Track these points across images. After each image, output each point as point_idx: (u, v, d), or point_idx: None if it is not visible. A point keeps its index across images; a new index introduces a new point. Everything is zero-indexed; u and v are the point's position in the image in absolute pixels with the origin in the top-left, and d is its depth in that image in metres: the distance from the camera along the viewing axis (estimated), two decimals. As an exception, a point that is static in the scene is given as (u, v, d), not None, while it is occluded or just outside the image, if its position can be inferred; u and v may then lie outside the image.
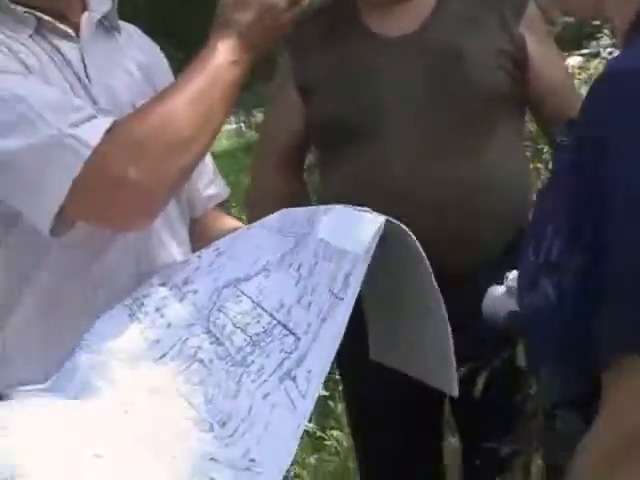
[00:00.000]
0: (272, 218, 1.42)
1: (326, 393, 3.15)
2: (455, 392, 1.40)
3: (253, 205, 2.12)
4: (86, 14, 1.58)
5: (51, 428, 1.17)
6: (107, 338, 1.35)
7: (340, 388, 2.84)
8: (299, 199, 2.08)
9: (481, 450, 1.85)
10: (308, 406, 1.12)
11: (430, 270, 1.30)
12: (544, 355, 1.10)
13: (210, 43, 1.47)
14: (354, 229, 1.22)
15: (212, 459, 1.14)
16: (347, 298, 1.16)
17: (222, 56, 1.45)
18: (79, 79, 1.52)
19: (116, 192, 1.35)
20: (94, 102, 1.50)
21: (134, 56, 1.66)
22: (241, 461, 1.13)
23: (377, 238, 1.18)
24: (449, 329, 1.33)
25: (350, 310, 1.16)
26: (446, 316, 1.34)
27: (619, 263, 0.92)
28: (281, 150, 2.10)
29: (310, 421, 3.18)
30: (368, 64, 1.95)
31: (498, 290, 1.44)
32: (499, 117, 1.94)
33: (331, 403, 3.38)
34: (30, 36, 1.49)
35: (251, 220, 1.71)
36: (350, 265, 1.18)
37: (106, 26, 1.63)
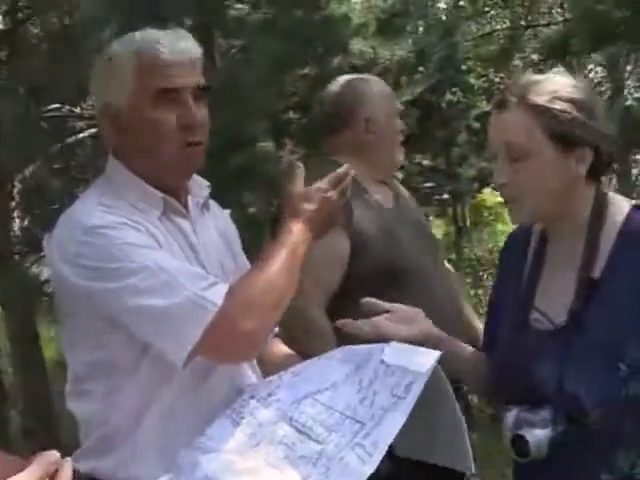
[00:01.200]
0: (335, 352, 1.84)
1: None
2: (471, 468, 1.72)
3: (303, 340, 2.35)
4: (190, 197, 1.95)
5: None
6: (217, 440, 1.75)
7: None
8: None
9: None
10: (375, 461, 1.56)
11: (450, 389, 1.72)
12: None
13: (286, 226, 1.83)
14: (414, 356, 1.67)
15: None
16: (409, 397, 1.60)
17: (296, 237, 1.81)
18: (192, 249, 1.89)
19: (234, 338, 1.74)
20: (203, 266, 1.87)
21: (216, 225, 2.03)
22: None
23: (435, 363, 1.63)
24: (465, 427, 1.73)
25: (411, 406, 1.60)
26: (462, 418, 1.73)
27: None
28: (328, 294, 2.52)
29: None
30: (391, 227, 2.64)
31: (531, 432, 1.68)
32: None
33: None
34: (159, 218, 1.86)
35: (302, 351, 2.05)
36: (412, 377, 1.62)
37: (200, 205, 1.99)
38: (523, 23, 10.26)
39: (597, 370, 1.67)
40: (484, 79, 11.00)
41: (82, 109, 5.06)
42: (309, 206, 1.85)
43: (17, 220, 5.63)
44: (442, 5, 11.58)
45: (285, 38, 5.73)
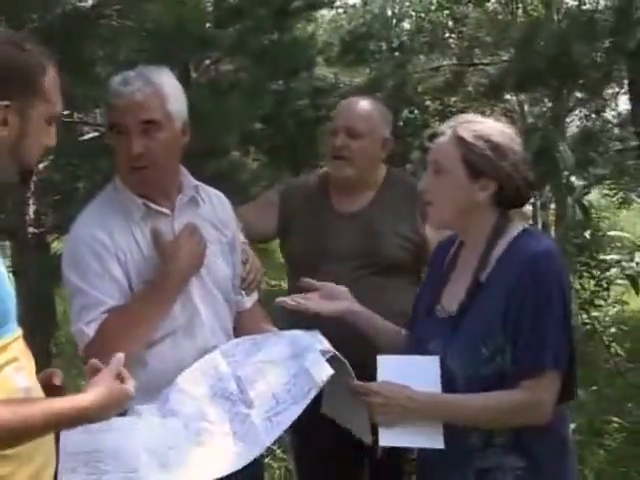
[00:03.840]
0: (287, 333, 2.21)
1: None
2: (369, 441, 2.10)
3: None
4: (180, 196, 2.27)
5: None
6: (188, 383, 2.12)
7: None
8: None
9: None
10: (275, 434, 1.97)
11: (354, 376, 2.07)
12: None
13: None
14: (321, 368, 2.03)
15: (231, 450, 1.98)
16: (308, 398, 1.99)
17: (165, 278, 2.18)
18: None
19: (101, 357, 1.82)
20: None
21: (207, 214, 2.34)
22: (242, 449, 1.97)
23: (329, 377, 2.01)
24: (365, 412, 2.05)
25: (306, 405, 1.97)
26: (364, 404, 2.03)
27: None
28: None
29: None
30: (326, 228, 2.79)
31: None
32: (396, 275, 2.77)
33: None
34: (141, 218, 2.22)
35: None
36: (313, 384, 2.00)
37: (194, 198, 2.31)
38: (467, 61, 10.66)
39: (467, 351, 2.01)
40: (439, 102, 11.09)
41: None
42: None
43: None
44: (406, 25, 11.53)
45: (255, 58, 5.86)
